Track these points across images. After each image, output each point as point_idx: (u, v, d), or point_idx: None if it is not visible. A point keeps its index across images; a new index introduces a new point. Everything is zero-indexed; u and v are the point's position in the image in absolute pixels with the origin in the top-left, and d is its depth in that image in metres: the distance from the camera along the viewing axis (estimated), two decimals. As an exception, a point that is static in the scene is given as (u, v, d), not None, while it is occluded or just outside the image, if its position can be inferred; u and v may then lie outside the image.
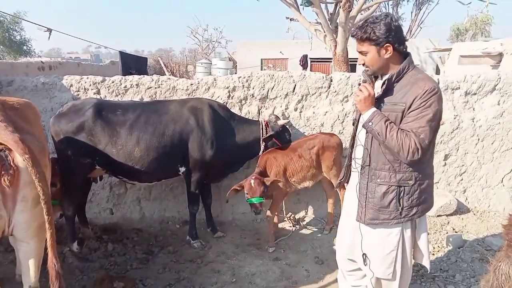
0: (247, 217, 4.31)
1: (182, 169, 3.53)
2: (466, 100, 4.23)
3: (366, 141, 2.09)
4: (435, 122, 1.93)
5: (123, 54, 13.69)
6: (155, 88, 4.05)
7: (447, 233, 3.88)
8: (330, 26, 8.82)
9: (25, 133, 2.21)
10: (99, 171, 3.46)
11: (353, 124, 2.24)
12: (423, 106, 1.89)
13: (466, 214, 4.36)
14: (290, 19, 10.77)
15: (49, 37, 9.36)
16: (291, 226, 4.11)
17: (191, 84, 4.06)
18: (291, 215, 4.24)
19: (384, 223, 2.06)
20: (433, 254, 3.46)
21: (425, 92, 1.88)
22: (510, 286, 1.47)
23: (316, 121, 4.19)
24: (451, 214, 4.27)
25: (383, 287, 2.21)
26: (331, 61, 10.07)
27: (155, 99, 4.02)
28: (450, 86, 4.19)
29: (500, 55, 8.63)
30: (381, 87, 2.03)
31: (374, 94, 2.03)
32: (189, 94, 4.05)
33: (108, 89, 4.02)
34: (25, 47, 21.37)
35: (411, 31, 21.99)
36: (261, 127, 3.70)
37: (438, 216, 4.23)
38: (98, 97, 3.94)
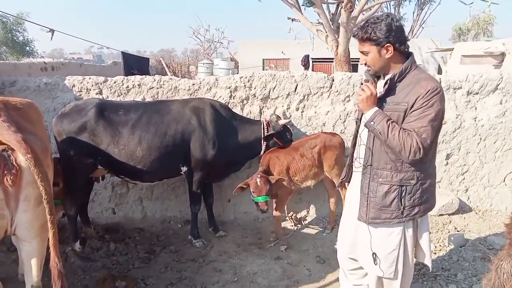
0: (249, 217, 4.32)
1: (184, 169, 3.54)
2: (468, 100, 4.23)
3: (368, 141, 2.09)
4: (437, 122, 1.93)
5: (125, 55, 13.71)
6: (157, 88, 4.06)
7: (449, 232, 3.87)
8: (332, 26, 8.82)
9: (28, 133, 2.22)
10: (101, 171, 3.47)
11: (356, 124, 2.24)
12: (426, 105, 1.88)
13: (468, 213, 4.35)
14: (292, 20, 10.78)
15: (51, 38, 9.38)
16: (292, 226, 4.12)
17: (193, 84, 4.07)
18: (292, 215, 4.25)
19: (386, 223, 2.06)
20: (435, 253, 3.46)
21: (428, 91, 1.88)
22: (512, 284, 1.47)
23: (318, 121, 4.19)
24: (453, 213, 4.26)
25: (384, 286, 2.21)
26: (332, 61, 10.07)
27: (157, 99, 4.03)
28: (452, 86, 4.18)
29: (503, 54, 8.60)
30: (383, 86, 2.04)
31: (376, 93, 2.03)
32: (191, 94, 4.06)
33: (110, 89, 4.03)
34: (28, 48, 21.43)
35: (413, 31, 21.93)
36: (262, 127, 3.71)
37: (440, 215, 4.23)
38: (100, 97, 3.96)
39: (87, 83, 4.01)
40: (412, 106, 1.92)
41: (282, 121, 3.80)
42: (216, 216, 4.07)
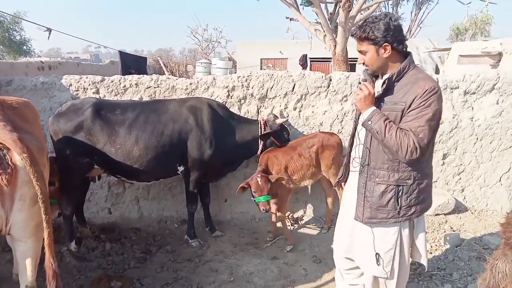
0: (245, 216, 4.32)
1: (181, 168, 3.53)
2: (465, 100, 4.24)
3: (366, 140, 2.10)
4: (435, 122, 1.93)
5: (122, 54, 13.68)
6: (155, 87, 4.05)
7: (445, 231, 3.88)
8: (330, 26, 8.83)
9: (24, 132, 2.21)
10: (97, 170, 3.46)
11: (353, 123, 2.24)
12: (423, 105, 1.88)
13: (464, 213, 4.37)
14: (290, 19, 10.78)
15: (48, 37, 9.36)
16: (289, 225, 4.12)
17: (191, 84, 4.07)
18: (289, 214, 4.25)
19: (382, 222, 2.06)
20: (431, 253, 3.47)
21: (425, 91, 1.88)
22: (507, 284, 1.47)
23: (315, 121, 4.19)
24: (449, 213, 4.27)
25: (380, 286, 2.21)
26: (330, 61, 10.09)
27: (154, 98, 4.02)
28: (449, 86, 4.19)
29: (500, 54, 8.64)
30: (381, 86, 2.04)
31: (374, 93, 2.03)
32: (188, 94, 4.06)
33: (108, 89, 4.02)
34: (24, 47, 21.37)
35: (410, 31, 21.99)
36: (259, 126, 3.71)
37: (436, 215, 4.23)
38: (97, 96, 3.94)
39: (84, 82, 3.99)
40: (409, 106, 1.92)
41: (279, 120, 3.80)
42: (212, 216, 4.06)
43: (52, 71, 9.94)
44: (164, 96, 4.04)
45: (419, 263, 2.45)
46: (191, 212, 3.69)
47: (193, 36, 24.48)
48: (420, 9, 22.22)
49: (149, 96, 4.04)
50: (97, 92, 4.01)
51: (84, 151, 3.26)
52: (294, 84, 4.10)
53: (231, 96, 4.11)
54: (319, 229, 4.05)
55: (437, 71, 14.03)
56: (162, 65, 17.09)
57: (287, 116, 4.14)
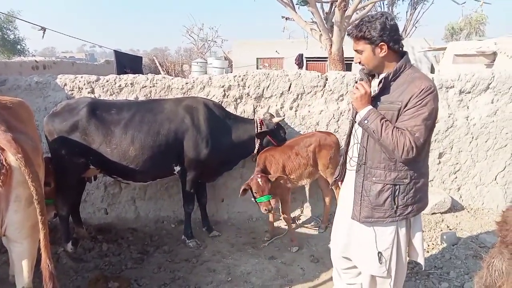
0: (243, 216, 4.31)
1: (177, 168, 3.52)
2: (460, 99, 4.26)
3: (362, 139, 2.10)
4: (431, 121, 1.93)
5: (118, 53, 13.62)
6: (150, 87, 4.03)
7: (442, 230, 3.90)
8: (326, 25, 8.83)
9: (18, 133, 2.19)
10: (93, 170, 3.44)
11: (350, 122, 2.25)
12: (419, 104, 1.89)
13: (460, 211, 4.39)
14: (286, 18, 10.76)
15: (43, 36, 9.27)
16: (286, 225, 4.11)
17: (186, 83, 4.05)
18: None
19: (379, 222, 2.06)
20: (428, 252, 3.49)
21: (421, 91, 1.88)
22: (503, 282, 1.48)
23: (312, 120, 4.20)
24: (445, 212, 4.29)
25: (377, 285, 2.21)
26: (326, 60, 10.09)
27: (150, 98, 4.00)
28: (444, 85, 4.21)
29: (494, 54, 8.70)
30: (378, 85, 2.04)
31: (371, 92, 2.03)
32: (184, 93, 4.04)
33: (103, 88, 4.00)
34: (19, 46, 21.18)
35: (406, 30, 22.04)
36: (256, 125, 3.70)
37: (433, 213, 4.25)
38: (93, 96, 3.92)
39: (79, 82, 3.97)
40: (406, 105, 1.92)
41: (275, 119, 3.80)
42: (209, 216, 4.05)
43: (46, 70, 9.89)
44: (160, 96, 4.02)
45: (416, 262, 2.46)
46: (188, 212, 3.68)
47: (188, 36, 24.37)
48: (415, 9, 22.28)
49: (144, 95, 4.02)
50: (92, 91, 3.99)
51: (79, 151, 3.24)
52: (290, 84, 4.10)
53: (227, 96, 4.10)
54: (316, 228, 4.05)
55: (432, 70, 14.10)
56: (158, 64, 17.03)
57: (283, 116, 4.14)
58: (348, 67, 10.14)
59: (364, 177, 2.08)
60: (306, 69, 15.40)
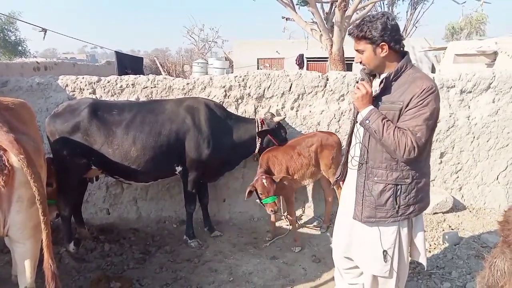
0: (244, 216, 4.31)
1: (179, 169, 3.52)
2: (461, 98, 4.26)
3: (364, 139, 2.10)
4: (432, 121, 1.93)
5: (119, 54, 13.63)
6: (151, 87, 4.03)
7: (443, 230, 3.90)
8: (326, 25, 8.83)
9: (20, 133, 2.20)
10: (95, 171, 3.44)
11: (351, 122, 2.25)
12: (421, 104, 1.89)
13: (462, 211, 4.38)
14: (286, 19, 10.76)
15: (44, 37, 9.28)
16: (288, 225, 4.12)
17: (187, 84, 4.06)
18: (287, 215, 4.24)
19: (381, 221, 2.06)
20: (430, 252, 3.48)
21: (423, 90, 1.89)
22: (506, 282, 1.47)
23: (313, 120, 4.20)
24: (447, 212, 4.29)
25: (380, 285, 2.21)
26: (327, 60, 10.10)
27: (151, 98, 4.01)
28: (445, 85, 4.21)
29: (495, 53, 8.68)
30: (379, 85, 2.04)
31: (372, 92, 2.04)
32: (185, 94, 4.05)
33: (104, 89, 4.00)
34: (20, 48, 21.25)
35: (406, 30, 22.04)
36: (257, 125, 3.70)
37: (435, 213, 4.25)
38: (94, 97, 3.93)
39: (81, 82, 3.98)
40: (407, 105, 1.92)
41: (276, 118, 3.80)
42: (211, 216, 4.05)
43: (48, 71, 9.90)
44: (161, 96, 4.03)
45: (418, 262, 2.46)
46: (189, 212, 3.69)
47: (189, 36, 24.43)
48: (416, 9, 22.28)
49: (146, 96, 4.03)
50: (94, 92, 4.00)
51: (81, 152, 3.24)
52: (291, 84, 4.11)
53: (228, 96, 4.10)
54: (318, 228, 4.05)
55: (433, 70, 14.08)
56: (159, 65, 17.05)
57: (284, 115, 4.14)
58: (348, 67, 10.14)
59: (366, 177, 2.08)
60: (307, 69, 15.40)
